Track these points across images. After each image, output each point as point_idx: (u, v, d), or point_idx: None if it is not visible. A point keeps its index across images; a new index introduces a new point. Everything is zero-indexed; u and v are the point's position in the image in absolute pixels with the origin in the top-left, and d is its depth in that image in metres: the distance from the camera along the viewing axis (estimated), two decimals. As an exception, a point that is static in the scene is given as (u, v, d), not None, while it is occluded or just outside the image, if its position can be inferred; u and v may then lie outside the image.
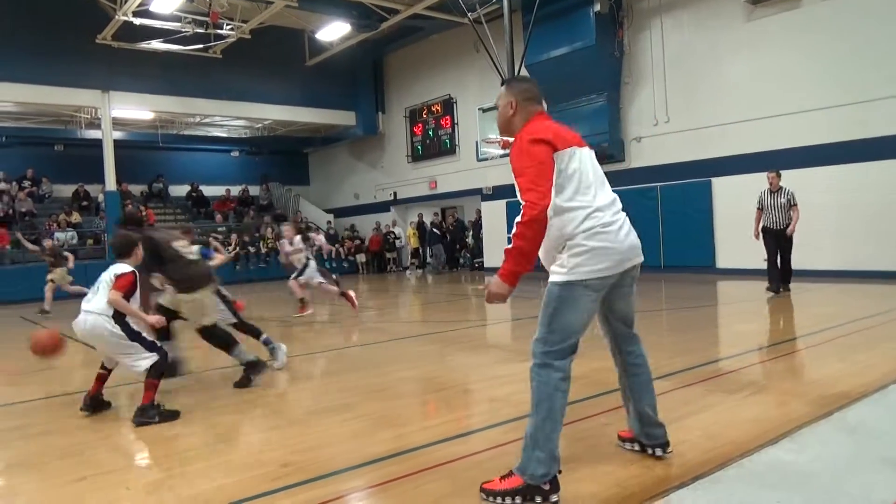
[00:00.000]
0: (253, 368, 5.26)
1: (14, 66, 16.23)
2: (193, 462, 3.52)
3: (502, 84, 3.00)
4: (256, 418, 4.44)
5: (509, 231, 13.55)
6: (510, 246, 2.67)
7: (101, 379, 4.65)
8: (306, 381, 5.62)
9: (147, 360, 4.39)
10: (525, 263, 2.68)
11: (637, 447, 3.16)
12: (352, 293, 10.26)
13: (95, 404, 4.60)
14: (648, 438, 3.08)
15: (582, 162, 2.80)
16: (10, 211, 18.63)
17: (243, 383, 5.21)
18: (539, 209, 2.61)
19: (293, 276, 10.31)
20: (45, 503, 3.10)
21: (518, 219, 2.66)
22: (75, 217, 19.24)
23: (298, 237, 10.50)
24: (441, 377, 5.51)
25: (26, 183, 20.27)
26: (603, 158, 14.18)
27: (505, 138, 16.99)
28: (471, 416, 4.37)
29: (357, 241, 23.07)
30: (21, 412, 5.02)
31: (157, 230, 5.88)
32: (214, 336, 5.39)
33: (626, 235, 2.80)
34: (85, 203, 20.35)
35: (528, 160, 2.70)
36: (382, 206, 23.23)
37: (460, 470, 3.12)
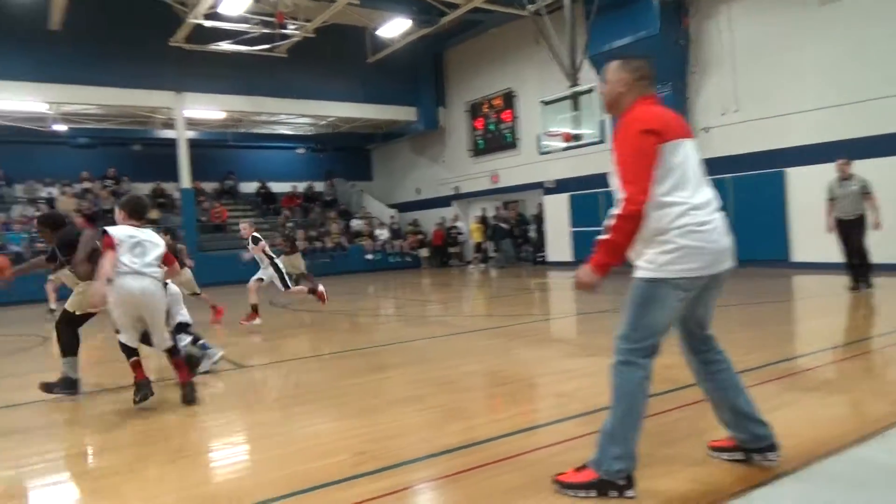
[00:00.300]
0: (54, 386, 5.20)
1: (96, 71, 17.13)
2: (273, 448, 3.68)
3: (613, 60, 2.87)
4: (331, 407, 4.58)
5: (574, 225, 13.50)
6: (605, 237, 2.61)
7: (140, 364, 4.80)
8: (376, 372, 5.74)
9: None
10: (617, 256, 2.63)
11: (741, 455, 2.91)
12: (322, 288, 10.31)
13: (149, 390, 4.70)
14: (755, 440, 2.84)
15: (686, 156, 2.70)
16: (95, 208, 19.67)
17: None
18: (638, 204, 2.55)
19: (254, 276, 9.99)
20: (148, 481, 3.30)
21: (616, 210, 2.59)
22: (154, 214, 20.13)
23: (256, 235, 10.08)
24: (507, 371, 5.55)
25: (108, 182, 21.36)
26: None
27: (567, 131, 16.83)
28: (538, 410, 4.40)
29: (420, 236, 23.29)
30: (112, 399, 5.35)
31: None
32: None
33: (720, 237, 2.70)
34: (162, 200, 21.29)
35: (632, 150, 2.62)
36: (444, 201, 23.38)
37: (530, 463, 3.15)
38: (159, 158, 21.16)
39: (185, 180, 18.95)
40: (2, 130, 19.00)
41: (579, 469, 2.74)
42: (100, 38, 17.16)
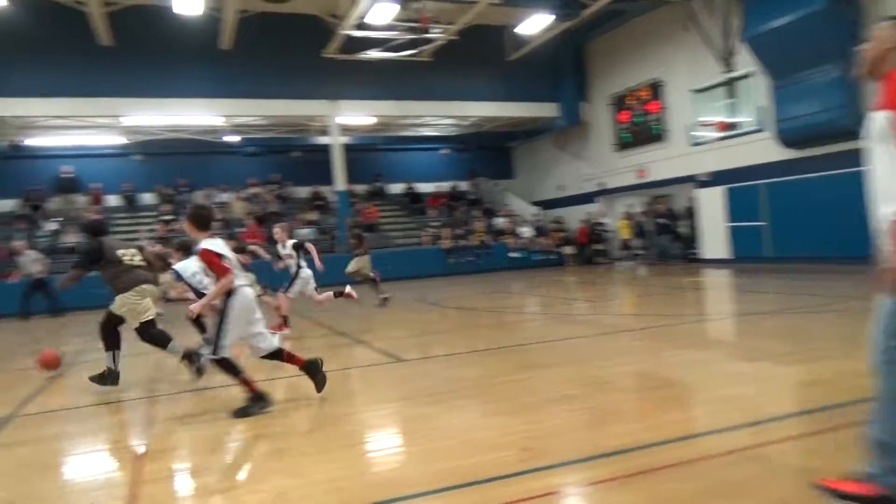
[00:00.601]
0: (189, 358, 5.95)
1: (261, 85, 18.72)
2: (435, 440, 3.88)
3: (884, 20, 2.61)
4: (488, 403, 4.73)
5: (731, 220, 12.65)
6: None
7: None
8: (528, 370, 5.83)
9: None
10: None
11: None
12: (349, 289, 10.05)
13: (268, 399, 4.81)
14: None
15: None
16: (263, 211, 21.54)
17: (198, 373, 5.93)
18: None
19: (283, 288, 9.15)
20: (316, 465, 3.62)
21: None
22: (312, 215, 21.67)
23: (291, 242, 9.28)
24: (662, 373, 5.41)
25: (273, 186, 23.25)
26: (841, 135, 12.66)
27: (722, 120, 15.92)
28: (700, 417, 4.26)
29: (563, 233, 23.07)
30: (292, 385, 5.88)
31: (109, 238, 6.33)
32: (149, 335, 6.05)
33: None
34: (319, 202, 22.81)
35: None
36: (587, 198, 22.96)
37: (698, 473, 3.08)
38: (316, 163, 22.66)
39: (340, 183, 20.19)
40: (185, 143, 21.34)
41: (853, 479, 2.53)
42: (263, 55, 18.70)
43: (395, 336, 8.80)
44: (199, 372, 5.97)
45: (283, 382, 5.79)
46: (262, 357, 5.02)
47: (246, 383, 4.78)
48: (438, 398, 4.89)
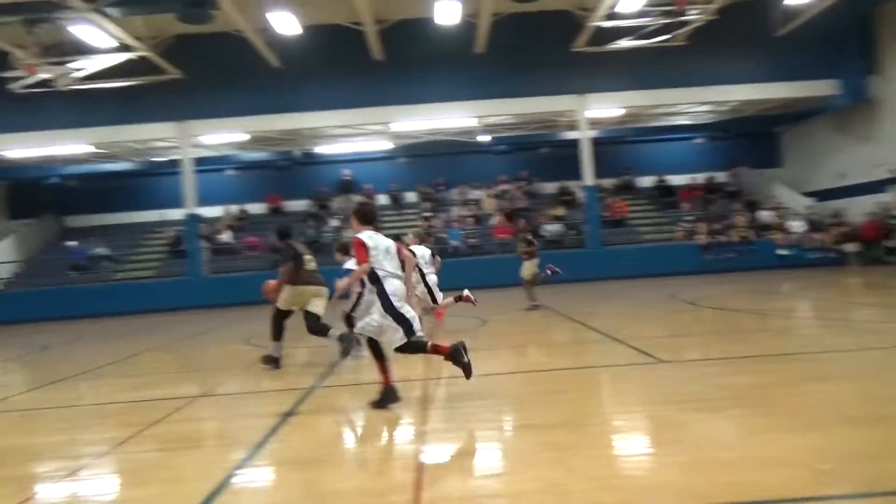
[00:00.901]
0: (343, 340, 6.79)
1: (511, 84, 19.36)
2: (721, 450, 3.66)
3: None
4: (769, 415, 4.29)
5: None
6: None
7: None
8: (815, 382, 5.19)
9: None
10: None
11: None
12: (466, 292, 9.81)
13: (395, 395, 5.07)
14: None
15: None
16: (512, 207, 22.29)
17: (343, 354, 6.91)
18: None
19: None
20: (591, 460, 3.64)
21: None
22: (560, 211, 21.84)
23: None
24: None
25: (522, 183, 23.90)
26: None
27: None
28: None
29: (844, 228, 20.15)
30: (550, 379, 6.02)
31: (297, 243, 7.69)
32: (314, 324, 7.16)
33: None
34: (566, 198, 22.91)
35: None
36: (875, 186, 19.72)
37: None
38: (563, 159, 22.80)
39: (588, 177, 20.04)
40: (442, 144, 22.91)
41: None
42: (513, 55, 19.29)
43: (649, 335, 8.49)
44: (346, 352, 6.88)
45: (548, 375, 5.94)
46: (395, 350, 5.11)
47: (384, 372, 5.07)
48: (711, 405, 4.60)
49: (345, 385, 6.42)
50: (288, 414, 5.13)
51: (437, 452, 4.08)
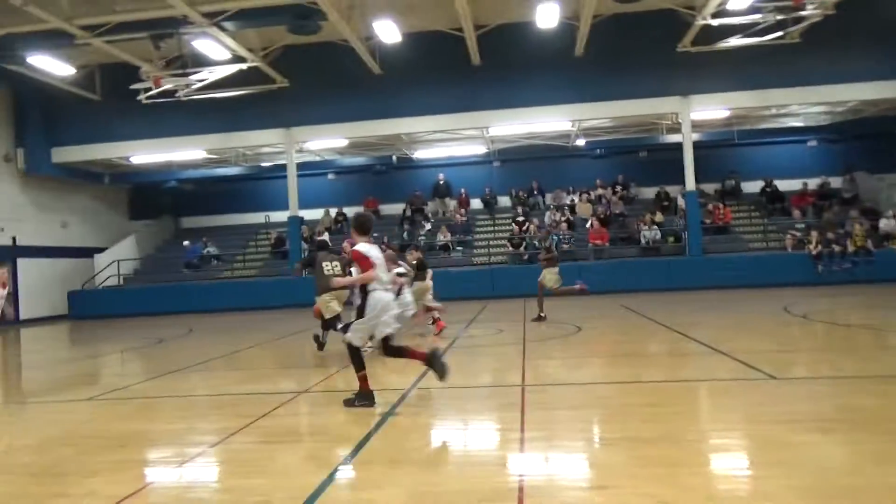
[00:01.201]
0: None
1: (610, 87, 18.92)
2: (827, 474, 3.45)
3: None
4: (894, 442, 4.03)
5: None
6: None
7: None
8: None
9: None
10: None
11: None
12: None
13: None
14: None
15: None
16: (608, 212, 21.80)
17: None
18: None
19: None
20: (698, 478, 3.52)
21: None
22: (658, 216, 21.14)
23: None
24: None
25: (618, 188, 23.34)
26: None
27: None
28: None
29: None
30: (649, 391, 5.85)
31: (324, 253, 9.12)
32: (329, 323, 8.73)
33: None
34: (665, 203, 22.15)
35: None
36: None
37: None
38: (662, 163, 22.06)
39: (690, 182, 19.27)
40: (537, 148, 22.74)
41: None
42: (613, 57, 18.81)
43: (757, 349, 8.06)
44: (322, 346, 8.83)
45: (647, 387, 5.78)
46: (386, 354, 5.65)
47: (362, 379, 5.50)
48: (826, 426, 4.33)
49: (442, 388, 6.50)
50: (387, 413, 5.27)
51: (537, 460, 4.07)
